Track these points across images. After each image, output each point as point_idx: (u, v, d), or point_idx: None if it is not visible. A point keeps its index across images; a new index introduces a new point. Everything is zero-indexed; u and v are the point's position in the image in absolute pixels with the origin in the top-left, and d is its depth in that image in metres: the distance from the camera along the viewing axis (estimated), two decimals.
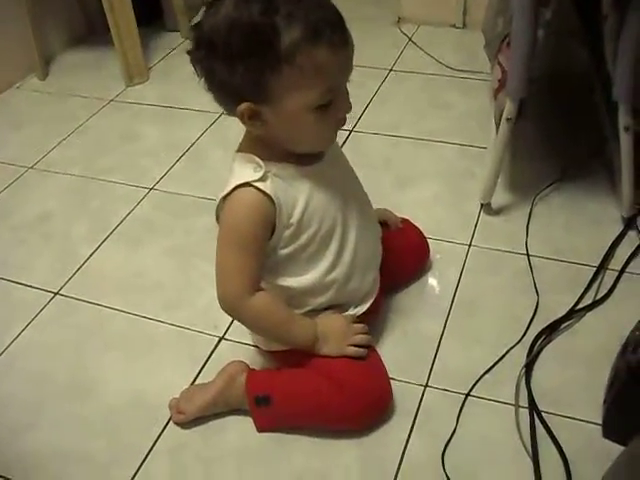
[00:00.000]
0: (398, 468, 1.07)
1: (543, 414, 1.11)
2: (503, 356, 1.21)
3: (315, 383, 1.10)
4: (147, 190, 1.73)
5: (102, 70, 2.29)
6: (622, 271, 1.35)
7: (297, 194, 1.04)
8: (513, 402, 1.14)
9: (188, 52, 0.96)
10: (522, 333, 1.24)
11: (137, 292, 1.43)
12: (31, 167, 1.86)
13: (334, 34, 0.92)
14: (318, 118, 0.97)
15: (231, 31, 0.90)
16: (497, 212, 1.54)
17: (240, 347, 1.28)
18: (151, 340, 1.32)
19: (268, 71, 0.91)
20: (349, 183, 1.16)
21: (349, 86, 1.01)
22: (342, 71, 0.97)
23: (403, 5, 2.37)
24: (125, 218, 1.64)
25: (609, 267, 1.37)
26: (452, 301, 1.33)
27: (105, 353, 1.31)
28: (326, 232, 1.08)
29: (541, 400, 1.13)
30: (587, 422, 1.10)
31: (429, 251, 1.40)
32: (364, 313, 1.19)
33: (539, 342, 1.23)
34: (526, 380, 1.17)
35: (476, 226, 1.50)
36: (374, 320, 1.25)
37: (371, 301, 1.20)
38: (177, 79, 2.17)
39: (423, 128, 1.84)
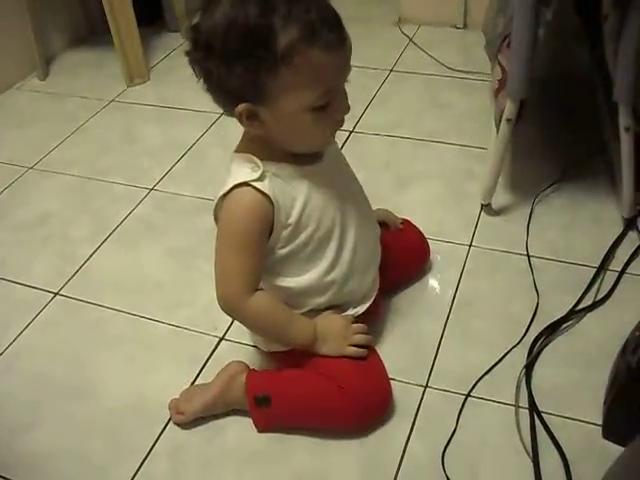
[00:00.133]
0: (398, 468, 1.07)
1: (543, 415, 1.11)
2: (503, 357, 1.21)
3: (315, 383, 1.10)
4: (147, 190, 1.73)
5: (103, 70, 2.29)
6: (622, 272, 1.35)
7: (295, 194, 1.04)
8: (513, 403, 1.14)
9: (186, 53, 0.96)
10: (522, 334, 1.24)
11: (137, 292, 1.43)
12: (31, 167, 1.86)
13: (331, 34, 0.92)
14: (316, 119, 0.97)
15: (228, 32, 0.90)
16: (497, 212, 1.53)
17: (240, 347, 1.28)
18: (151, 340, 1.32)
19: (265, 72, 0.91)
20: (348, 183, 1.16)
21: (349, 86, 1.01)
22: (340, 71, 0.97)
23: (403, 5, 2.37)
24: (125, 218, 1.64)
25: (609, 268, 1.37)
26: (452, 302, 1.33)
27: (105, 353, 1.31)
28: (324, 232, 1.08)
29: (541, 401, 1.13)
30: (587, 423, 1.10)
31: (429, 252, 1.39)
32: (364, 313, 1.19)
33: (539, 343, 1.22)
34: (526, 381, 1.16)
35: (476, 226, 1.50)
36: (374, 320, 1.25)
37: (370, 301, 1.20)
38: (177, 79, 2.17)
39: (423, 128, 1.84)
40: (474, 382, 1.17)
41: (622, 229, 1.44)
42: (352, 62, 0.99)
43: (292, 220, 1.04)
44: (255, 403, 1.12)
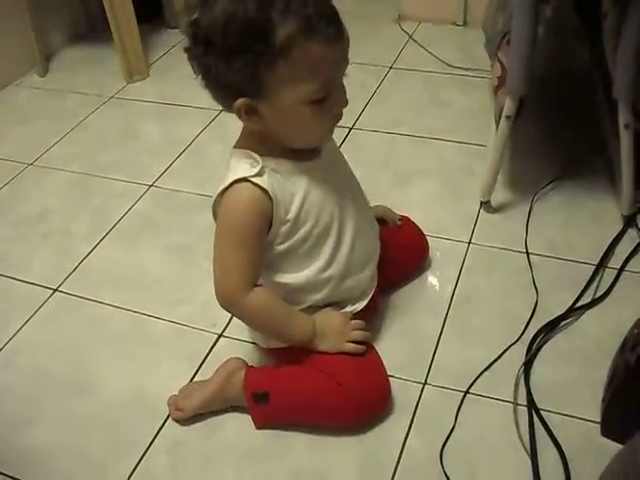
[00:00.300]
0: (397, 465, 1.07)
1: (542, 412, 1.11)
2: (502, 354, 1.21)
3: (313, 380, 1.10)
4: (147, 187, 1.73)
5: (102, 67, 2.28)
6: (621, 269, 1.35)
7: (294, 189, 1.04)
8: (512, 400, 1.14)
9: (185, 49, 0.96)
10: (521, 331, 1.24)
11: (136, 289, 1.43)
12: (31, 164, 1.86)
13: (329, 27, 0.92)
14: (314, 112, 0.97)
15: (227, 26, 0.90)
16: (497, 210, 1.53)
17: (239, 344, 1.28)
18: (150, 337, 1.32)
19: (264, 66, 0.91)
20: (346, 180, 1.16)
21: (348, 83, 1.01)
22: (337, 65, 0.98)
23: (403, 2, 2.36)
24: (125, 215, 1.64)
25: (608, 265, 1.37)
26: (451, 299, 1.33)
27: (104, 350, 1.31)
28: (323, 228, 1.08)
29: (540, 398, 1.13)
30: (586, 420, 1.10)
31: (428, 249, 1.39)
32: (362, 310, 1.19)
33: (538, 340, 1.23)
34: (525, 378, 1.16)
35: (475, 224, 1.50)
36: (373, 317, 1.25)
37: (368, 298, 1.20)
38: (177, 76, 2.17)
39: (423, 126, 1.84)
40: (473, 379, 1.17)
41: (621, 227, 1.44)
42: (351, 59, 0.99)
43: (291, 216, 1.04)
44: (254, 400, 1.12)
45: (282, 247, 1.07)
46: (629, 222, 1.45)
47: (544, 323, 1.25)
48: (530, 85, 1.36)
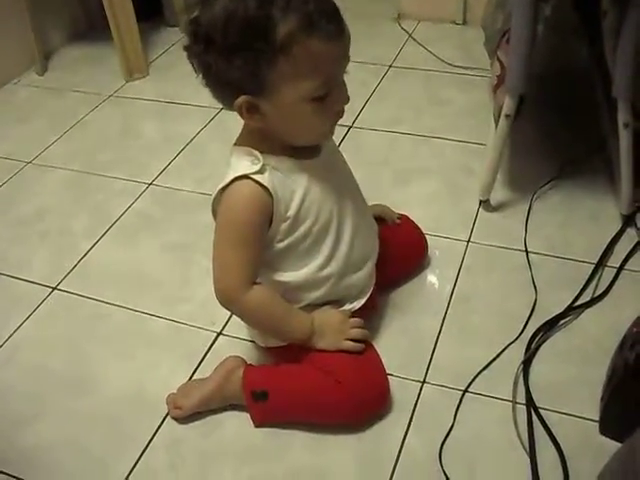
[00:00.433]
0: (395, 464, 1.07)
1: (540, 411, 1.11)
2: (501, 352, 1.21)
3: (312, 378, 1.10)
4: (146, 185, 1.73)
5: (101, 65, 2.28)
6: (620, 268, 1.35)
7: (295, 187, 1.04)
8: (510, 398, 1.14)
9: (185, 47, 0.96)
10: (520, 330, 1.24)
11: (135, 287, 1.43)
12: (30, 162, 1.86)
13: (330, 24, 0.92)
14: (316, 109, 0.97)
15: (228, 24, 0.90)
16: (496, 209, 1.53)
17: (237, 343, 1.28)
18: (149, 335, 1.32)
19: (265, 63, 0.91)
20: (345, 179, 1.16)
21: (348, 81, 1.01)
22: (338, 62, 0.98)
23: (403, 1, 2.36)
24: (124, 213, 1.64)
25: (607, 264, 1.37)
26: (450, 297, 1.33)
27: (103, 348, 1.31)
28: (322, 226, 1.08)
29: (538, 397, 1.13)
30: (584, 419, 1.10)
31: (427, 247, 1.39)
32: (361, 309, 1.19)
33: (537, 339, 1.23)
34: (524, 377, 1.16)
35: (475, 222, 1.50)
36: (372, 316, 1.25)
37: (367, 297, 1.20)
38: (177, 74, 2.17)
39: (422, 124, 1.84)
40: (472, 378, 1.17)
41: (620, 226, 1.44)
42: (351, 58, 0.99)
43: (291, 213, 1.04)
44: (252, 398, 1.12)
45: (282, 245, 1.07)
46: (628, 221, 1.45)
47: (543, 322, 1.25)
48: (529, 84, 1.36)
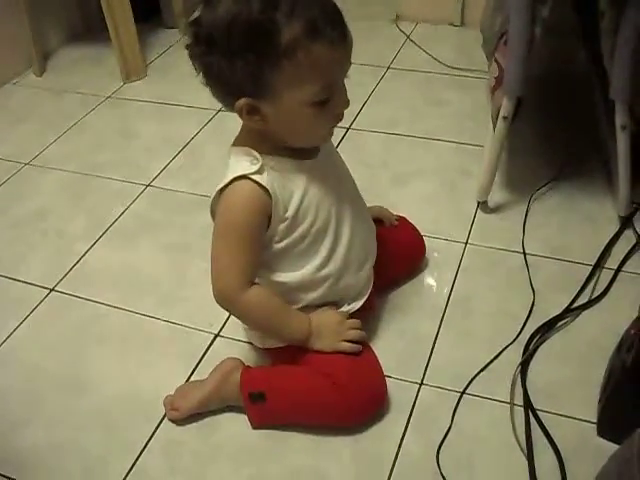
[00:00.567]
0: (393, 465, 1.07)
1: (538, 412, 1.11)
2: (499, 354, 1.21)
3: (310, 380, 1.10)
4: (144, 187, 1.72)
5: (100, 67, 2.28)
6: (618, 270, 1.36)
7: (293, 188, 1.04)
8: (508, 400, 1.14)
9: (187, 47, 0.96)
10: (518, 331, 1.24)
11: (133, 289, 1.43)
12: (28, 163, 1.86)
13: (334, 30, 0.92)
14: (316, 113, 0.97)
15: (231, 27, 0.89)
16: (493, 210, 1.53)
17: (235, 344, 1.28)
18: (146, 337, 1.32)
19: (268, 66, 0.91)
20: (343, 180, 1.16)
21: (347, 83, 1.01)
22: (341, 66, 0.98)
23: (401, 3, 2.36)
24: (121, 215, 1.64)
25: (605, 266, 1.37)
26: (448, 299, 1.33)
27: (100, 349, 1.31)
28: (320, 227, 1.08)
29: (536, 398, 1.13)
30: (582, 420, 1.10)
31: (425, 249, 1.39)
32: (359, 310, 1.19)
33: (535, 340, 1.23)
34: (521, 378, 1.16)
35: (472, 224, 1.50)
36: (369, 317, 1.25)
37: (365, 298, 1.20)
38: (175, 76, 2.17)
39: (420, 126, 1.84)
40: (469, 379, 1.17)
41: (618, 227, 1.44)
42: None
43: (289, 213, 1.04)
44: (250, 399, 1.12)
45: (280, 245, 1.07)
46: (626, 223, 1.45)
47: (541, 323, 1.25)
48: (527, 86, 1.36)
